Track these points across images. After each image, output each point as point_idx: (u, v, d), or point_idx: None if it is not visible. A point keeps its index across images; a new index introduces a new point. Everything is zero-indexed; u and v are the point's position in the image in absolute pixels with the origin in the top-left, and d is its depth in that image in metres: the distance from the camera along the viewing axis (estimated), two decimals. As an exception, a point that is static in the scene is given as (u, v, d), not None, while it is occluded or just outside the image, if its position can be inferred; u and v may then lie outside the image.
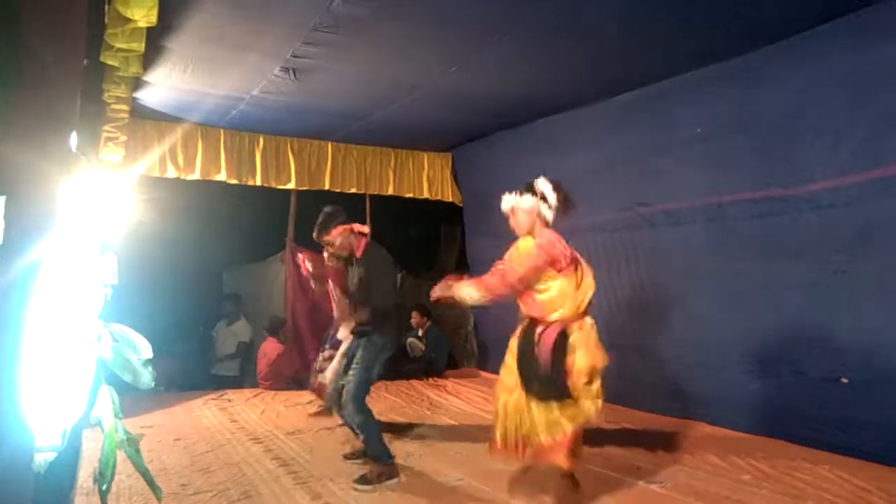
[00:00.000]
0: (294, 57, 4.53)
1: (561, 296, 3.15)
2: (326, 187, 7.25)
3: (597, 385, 3.13)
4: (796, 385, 4.27)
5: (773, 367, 4.43)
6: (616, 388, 5.50)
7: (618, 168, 5.60)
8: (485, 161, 7.42)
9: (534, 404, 3.15)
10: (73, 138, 1.52)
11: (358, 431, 3.92)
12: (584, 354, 3.10)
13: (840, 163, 3.99)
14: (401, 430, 5.06)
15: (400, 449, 4.45)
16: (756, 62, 4.47)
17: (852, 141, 3.94)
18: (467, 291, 3.25)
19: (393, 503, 3.44)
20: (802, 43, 4.20)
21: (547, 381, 3.10)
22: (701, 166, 4.88)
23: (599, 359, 3.13)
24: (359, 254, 4.05)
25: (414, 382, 7.13)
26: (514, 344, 3.33)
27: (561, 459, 3.12)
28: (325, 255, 4.24)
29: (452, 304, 3.28)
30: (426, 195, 7.89)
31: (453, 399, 6.29)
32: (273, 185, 6.99)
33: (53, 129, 1.43)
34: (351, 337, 4.15)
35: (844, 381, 4.00)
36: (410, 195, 7.84)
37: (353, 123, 6.47)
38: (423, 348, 7.91)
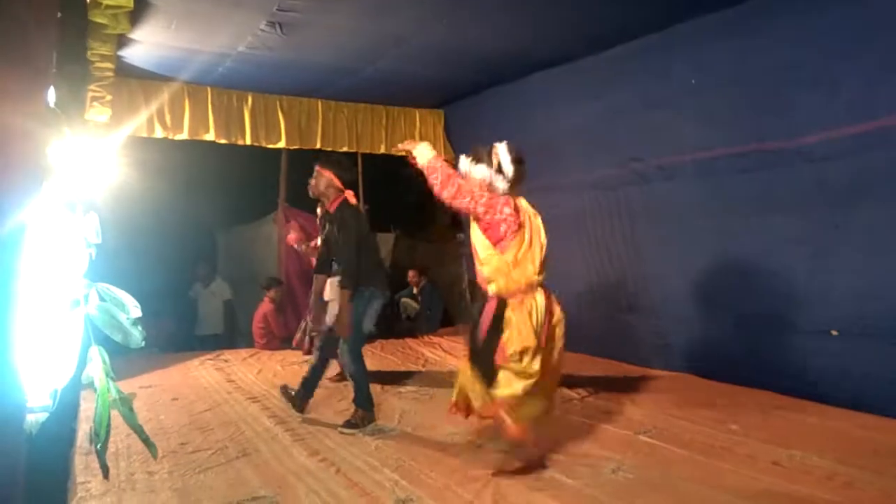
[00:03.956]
0: (280, 11, 4.41)
1: (496, 271, 3.20)
2: (318, 146, 7.14)
3: (527, 363, 3.12)
4: (787, 337, 4.32)
5: (764, 319, 4.48)
6: (607, 342, 5.63)
7: (611, 123, 5.54)
8: (477, 117, 7.32)
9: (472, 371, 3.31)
10: (52, 94, 1.49)
11: (350, 379, 4.20)
12: (513, 334, 3.12)
13: (835, 115, 3.95)
14: (396, 387, 5.12)
15: (396, 406, 4.51)
16: (750, 13, 4.38)
17: (847, 92, 3.90)
18: (423, 152, 3.31)
19: (389, 457, 3.49)
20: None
21: (480, 355, 3.26)
22: (695, 120, 4.83)
23: (530, 339, 3.10)
24: (331, 209, 4.22)
25: (409, 341, 7.19)
26: (474, 311, 3.42)
27: (502, 428, 3.22)
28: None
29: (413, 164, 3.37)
30: (419, 153, 7.80)
31: (448, 357, 6.35)
32: (263, 144, 6.88)
33: (33, 87, 1.40)
34: (339, 291, 4.24)
35: (834, 332, 4.05)
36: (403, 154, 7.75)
37: (343, 79, 6.35)
38: (417, 307, 7.96)
